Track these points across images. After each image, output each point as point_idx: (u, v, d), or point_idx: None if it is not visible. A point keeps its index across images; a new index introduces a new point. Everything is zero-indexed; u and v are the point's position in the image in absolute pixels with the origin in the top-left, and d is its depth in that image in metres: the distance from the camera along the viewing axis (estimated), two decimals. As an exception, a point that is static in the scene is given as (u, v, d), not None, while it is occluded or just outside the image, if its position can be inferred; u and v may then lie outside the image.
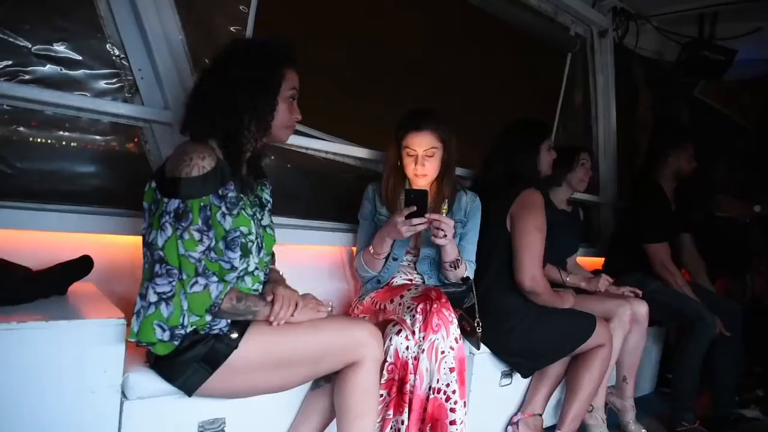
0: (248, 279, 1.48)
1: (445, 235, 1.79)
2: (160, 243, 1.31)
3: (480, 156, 2.39)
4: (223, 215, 1.39)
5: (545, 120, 2.39)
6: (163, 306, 1.30)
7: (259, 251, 1.50)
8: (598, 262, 3.17)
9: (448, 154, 1.96)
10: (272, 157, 2.20)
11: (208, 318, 1.35)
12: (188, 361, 1.36)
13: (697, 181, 3.06)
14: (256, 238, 1.48)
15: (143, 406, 1.39)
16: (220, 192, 1.38)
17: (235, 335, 1.39)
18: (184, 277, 1.32)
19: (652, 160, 3.06)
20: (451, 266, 1.91)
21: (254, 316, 1.43)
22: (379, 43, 2.46)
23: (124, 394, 1.37)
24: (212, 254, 1.38)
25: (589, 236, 3.11)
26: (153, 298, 1.30)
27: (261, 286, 1.53)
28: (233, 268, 1.42)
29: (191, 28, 1.90)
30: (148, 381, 1.38)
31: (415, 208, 1.74)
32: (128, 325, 1.34)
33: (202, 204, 1.34)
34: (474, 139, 2.49)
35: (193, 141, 1.43)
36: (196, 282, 1.33)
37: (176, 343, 1.34)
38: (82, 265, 1.55)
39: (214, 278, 1.35)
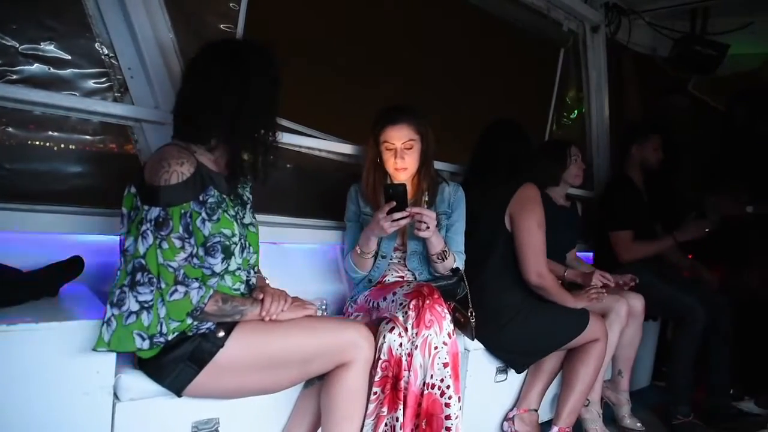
0: (228, 278, 1.46)
1: (428, 227, 1.80)
2: (141, 251, 1.30)
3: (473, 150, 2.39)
4: (203, 221, 1.37)
5: (530, 118, 2.40)
6: (144, 315, 1.29)
7: (242, 251, 1.49)
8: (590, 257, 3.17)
9: (426, 146, 1.97)
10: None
11: (190, 321, 1.34)
12: (175, 361, 1.35)
13: (669, 174, 3.08)
14: (240, 239, 1.47)
15: (136, 407, 1.38)
16: (200, 198, 1.37)
17: (221, 334, 1.38)
18: (163, 285, 1.31)
19: (621, 152, 3.08)
20: (438, 258, 1.92)
21: (242, 315, 1.42)
22: (372, 40, 2.46)
23: (116, 396, 1.36)
24: (195, 260, 1.37)
25: (583, 231, 3.11)
26: (134, 307, 1.29)
27: (243, 286, 1.52)
28: (214, 274, 1.41)
29: (181, 26, 1.89)
30: (140, 382, 1.38)
31: (395, 203, 1.75)
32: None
33: (182, 211, 1.33)
34: (467, 134, 2.49)
35: (171, 145, 1.42)
36: (176, 290, 1.31)
37: (161, 345, 1.33)
38: (73, 266, 1.54)
39: (195, 284, 1.34)
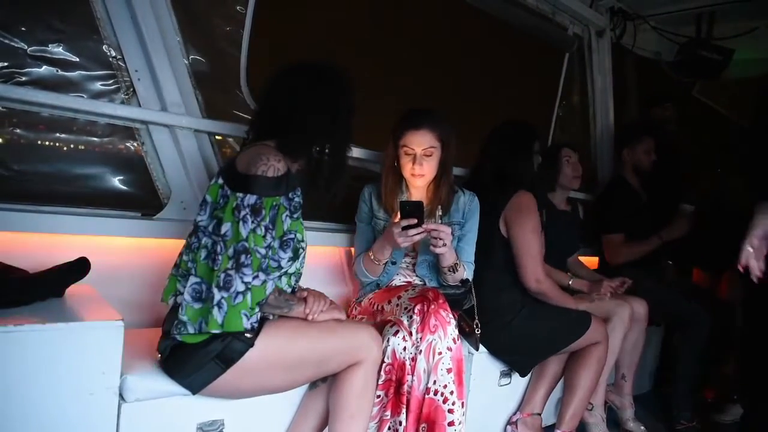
0: (284, 279, 1.52)
1: (444, 244, 1.76)
2: (244, 234, 1.33)
3: (476, 156, 2.39)
4: (286, 217, 1.44)
5: (534, 122, 2.40)
6: (248, 296, 1.33)
7: (303, 258, 1.55)
8: (594, 261, 3.17)
9: (447, 155, 1.92)
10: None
11: (257, 310, 1.37)
12: (203, 357, 1.36)
13: (668, 176, 3.06)
14: (305, 245, 1.53)
15: (141, 408, 1.38)
16: (289, 195, 1.44)
17: (250, 335, 1.39)
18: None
19: (615, 155, 3.08)
20: (449, 270, 1.89)
21: (289, 310, 1.48)
22: (376, 43, 2.46)
23: (121, 396, 1.36)
24: (269, 251, 1.40)
25: (588, 236, 3.11)
26: (241, 287, 1.33)
27: (289, 290, 1.56)
28: (279, 267, 1.45)
29: (188, 29, 1.90)
30: (146, 383, 1.38)
31: (415, 220, 1.71)
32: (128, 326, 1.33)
33: (273, 203, 1.38)
34: (471, 139, 2.49)
35: (264, 145, 1.46)
36: (257, 276, 1.35)
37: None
38: (79, 267, 1.54)
39: (272, 276, 1.39)
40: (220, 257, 1.35)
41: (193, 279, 1.40)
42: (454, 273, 1.89)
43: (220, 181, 1.44)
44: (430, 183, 1.96)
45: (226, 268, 1.33)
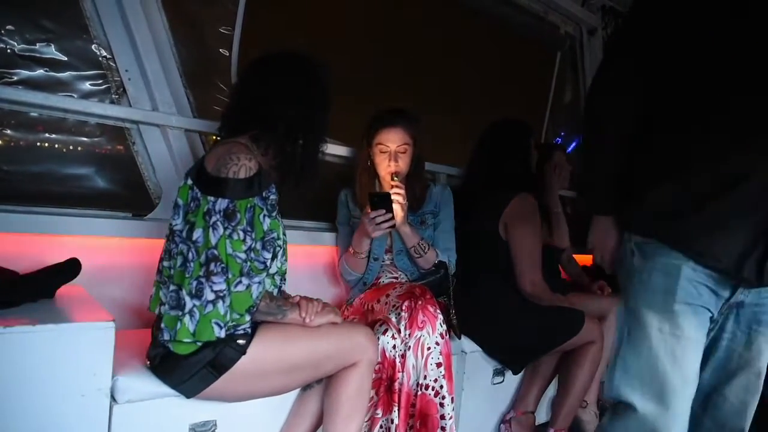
0: (267, 280, 1.48)
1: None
2: (213, 241, 1.30)
3: (469, 155, 2.39)
4: (264, 216, 1.40)
5: (525, 119, 2.40)
6: (220, 304, 1.30)
7: (282, 256, 1.52)
8: (588, 259, 3.17)
9: (419, 151, 2.00)
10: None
11: (248, 318, 1.35)
12: (195, 365, 1.34)
13: None
14: (283, 243, 1.50)
15: (133, 410, 1.37)
16: (263, 194, 1.40)
17: (242, 341, 1.38)
18: (230, 275, 1.32)
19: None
20: (416, 252, 1.94)
21: (284, 316, 1.45)
22: (367, 42, 2.46)
23: (113, 398, 1.35)
24: (251, 254, 1.38)
25: (579, 234, 3.10)
26: (210, 296, 1.30)
27: (275, 290, 1.54)
28: (265, 268, 1.43)
29: (178, 28, 1.90)
30: (137, 384, 1.37)
31: (383, 210, 1.80)
32: (120, 328, 1.33)
33: (248, 205, 1.35)
34: (462, 138, 2.50)
35: (233, 142, 1.42)
36: (240, 282, 1.33)
37: (199, 344, 1.33)
38: (69, 268, 1.53)
39: (257, 279, 1.37)
40: (192, 264, 1.32)
41: (171, 286, 1.37)
42: (424, 255, 1.94)
43: (189, 182, 1.40)
44: (404, 179, 2.00)
45: (198, 275, 1.31)
